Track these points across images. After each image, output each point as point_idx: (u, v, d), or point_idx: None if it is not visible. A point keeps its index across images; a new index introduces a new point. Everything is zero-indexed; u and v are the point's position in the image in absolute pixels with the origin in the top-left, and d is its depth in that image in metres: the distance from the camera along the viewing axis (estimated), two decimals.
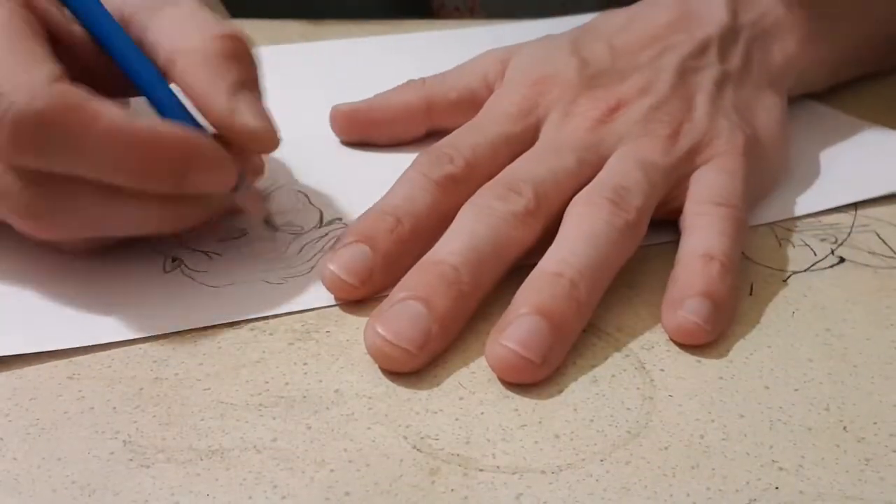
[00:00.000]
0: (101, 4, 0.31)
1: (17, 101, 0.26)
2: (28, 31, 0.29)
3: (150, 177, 0.28)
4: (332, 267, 0.30)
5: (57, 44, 0.30)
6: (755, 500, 0.23)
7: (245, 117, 0.30)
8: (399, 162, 0.33)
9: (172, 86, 0.31)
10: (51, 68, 0.27)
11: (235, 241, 0.33)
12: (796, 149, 0.39)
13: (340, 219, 0.35)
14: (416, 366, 0.27)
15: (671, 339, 0.28)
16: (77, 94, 0.27)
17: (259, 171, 0.34)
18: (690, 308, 0.28)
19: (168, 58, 0.30)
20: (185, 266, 0.32)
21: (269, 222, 0.33)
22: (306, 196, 0.36)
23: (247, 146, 0.31)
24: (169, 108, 0.30)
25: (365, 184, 0.37)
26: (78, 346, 0.28)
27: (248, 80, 0.31)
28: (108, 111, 0.27)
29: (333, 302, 0.30)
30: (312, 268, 0.32)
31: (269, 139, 0.31)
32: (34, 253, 0.31)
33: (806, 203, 0.36)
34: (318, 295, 0.30)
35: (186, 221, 0.31)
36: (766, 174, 0.36)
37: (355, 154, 0.40)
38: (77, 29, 0.31)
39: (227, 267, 0.32)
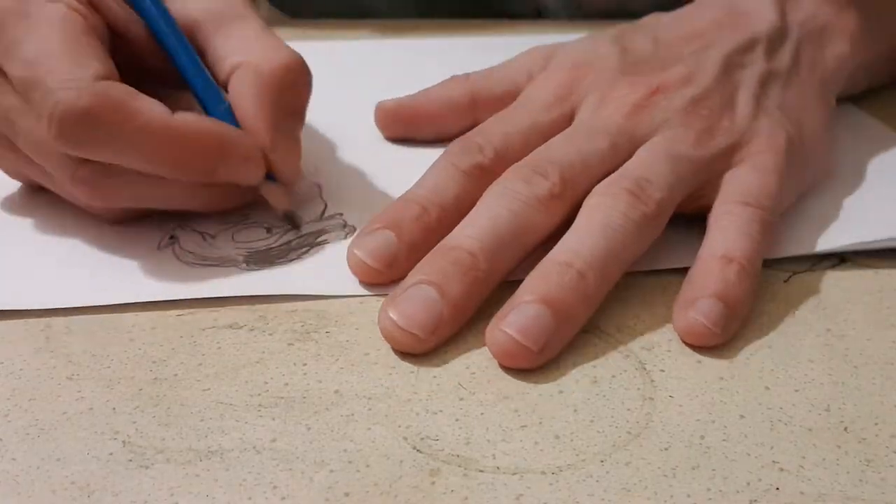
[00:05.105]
0: (165, 9, 0.33)
1: (63, 98, 0.28)
2: (81, 28, 0.31)
3: (183, 169, 0.30)
4: (356, 251, 0.30)
5: (119, 38, 0.33)
6: (756, 500, 0.23)
7: (280, 155, 0.32)
8: (422, 158, 0.33)
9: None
10: (97, 66, 0.29)
11: (234, 226, 0.34)
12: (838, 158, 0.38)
13: (342, 214, 0.35)
14: (425, 349, 0.27)
15: (682, 340, 0.28)
16: (120, 92, 0.29)
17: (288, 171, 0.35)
18: (701, 309, 0.28)
19: (229, 71, 0.33)
20: (179, 245, 0.32)
21: (290, 218, 0.34)
22: (319, 188, 0.37)
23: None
24: (213, 106, 0.32)
25: (383, 180, 0.38)
26: (39, 307, 0.29)
27: (294, 111, 0.33)
28: (147, 108, 0.29)
29: (319, 291, 0.30)
30: (300, 256, 0.32)
31: (292, 177, 0.33)
32: (30, 216, 0.33)
33: (825, 240, 0.33)
34: (298, 284, 0.30)
35: (220, 204, 0.33)
36: (805, 176, 0.35)
37: (379, 150, 0.40)
38: (139, 25, 0.33)
39: (215, 249, 0.32)
